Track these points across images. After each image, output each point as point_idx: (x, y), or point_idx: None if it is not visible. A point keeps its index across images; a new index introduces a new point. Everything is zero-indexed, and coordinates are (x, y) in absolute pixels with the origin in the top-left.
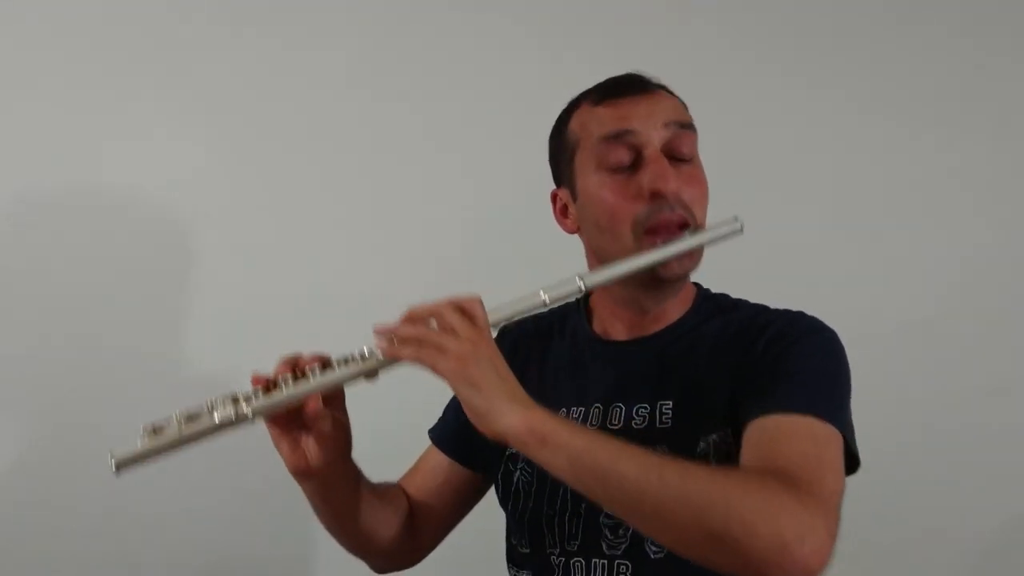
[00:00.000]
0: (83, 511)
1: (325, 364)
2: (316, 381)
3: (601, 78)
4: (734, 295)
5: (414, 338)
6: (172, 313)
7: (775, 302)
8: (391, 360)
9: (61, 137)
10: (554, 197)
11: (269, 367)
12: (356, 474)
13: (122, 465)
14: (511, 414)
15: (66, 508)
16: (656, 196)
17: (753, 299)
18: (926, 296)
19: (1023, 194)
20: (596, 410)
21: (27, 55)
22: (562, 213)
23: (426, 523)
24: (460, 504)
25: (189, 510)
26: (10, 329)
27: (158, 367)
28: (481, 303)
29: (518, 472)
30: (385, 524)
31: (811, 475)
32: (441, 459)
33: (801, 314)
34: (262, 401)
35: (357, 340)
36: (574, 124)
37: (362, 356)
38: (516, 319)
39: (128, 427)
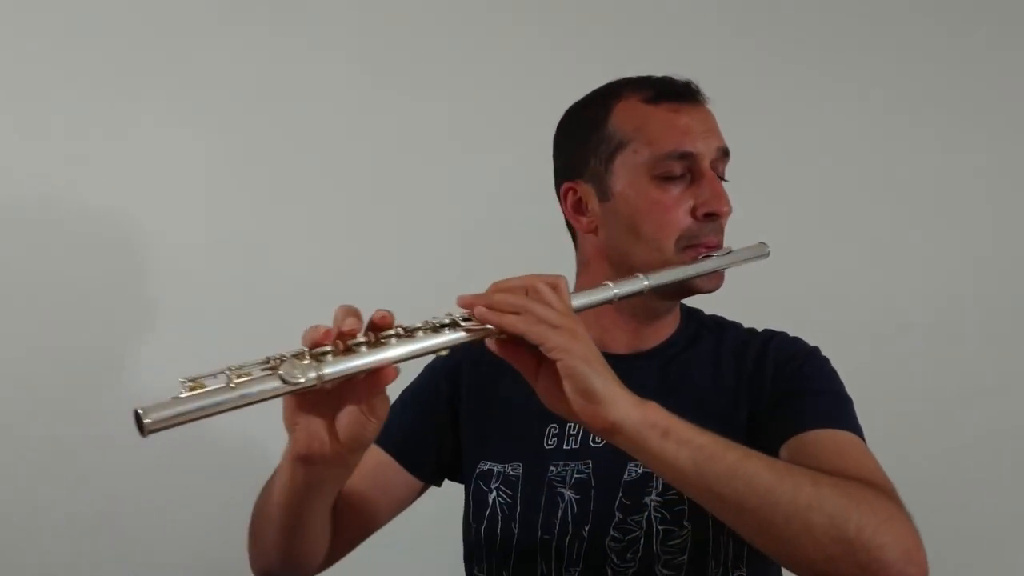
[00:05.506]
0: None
1: (407, 330)
2: (400, 349)
3: (602, 79)
4: (741, 298)
5: (517, 307)
6: (158, 312)
7: (782, 305)
8: (482, 332)
9: (58, 137)
10: (567, 191)
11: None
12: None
13: (155, 427)
14: (626, 402)
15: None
16: (709, 217)
17: (764, 301)
18: (936, 297)
19: None
20: None
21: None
22: (576, 209)
23: (350, 525)
24: (391, 509)
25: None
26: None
27: (136, 368)
28: (567, 283)
29: (494, 493)
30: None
31: (889, 485)
32: (383, 459)
33: (789, 335)
34: (339, 365)
35: None
36: (619, 120)
37: (446, 325)
38: (585, 310)
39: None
